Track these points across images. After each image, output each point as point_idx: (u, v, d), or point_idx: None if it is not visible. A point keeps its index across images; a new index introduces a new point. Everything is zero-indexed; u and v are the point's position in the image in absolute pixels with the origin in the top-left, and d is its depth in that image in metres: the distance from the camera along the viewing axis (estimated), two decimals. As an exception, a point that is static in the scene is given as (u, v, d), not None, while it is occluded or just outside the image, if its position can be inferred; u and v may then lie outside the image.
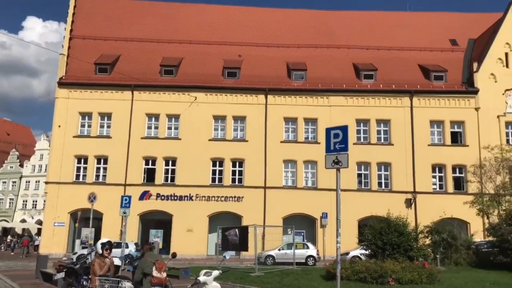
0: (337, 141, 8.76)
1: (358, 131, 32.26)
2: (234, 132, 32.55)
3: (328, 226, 30.33)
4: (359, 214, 30.00)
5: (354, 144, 30.62)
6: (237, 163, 31.87)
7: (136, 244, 26.34)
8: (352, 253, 24.93)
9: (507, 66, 32.59)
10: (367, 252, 20.48)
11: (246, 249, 20.76)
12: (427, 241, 23.10)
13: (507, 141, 31.14)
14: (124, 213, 19.03)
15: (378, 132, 32.42)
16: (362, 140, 32.07)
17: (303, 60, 35.03)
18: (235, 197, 30.99)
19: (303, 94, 32.59)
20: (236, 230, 21.33)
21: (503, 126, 31.62)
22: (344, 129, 8.79)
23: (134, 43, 35.85)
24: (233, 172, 31.81)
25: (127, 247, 22.99)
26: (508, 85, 32.10)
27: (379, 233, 19.82)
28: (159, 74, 33.50)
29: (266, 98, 32.42)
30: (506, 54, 32.79)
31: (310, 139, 32.25)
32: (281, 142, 31.95)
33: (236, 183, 31.59)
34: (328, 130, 9.03)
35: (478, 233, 26.93)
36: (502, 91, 32.07)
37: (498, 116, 31.67)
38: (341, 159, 8.63)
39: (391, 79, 33.20)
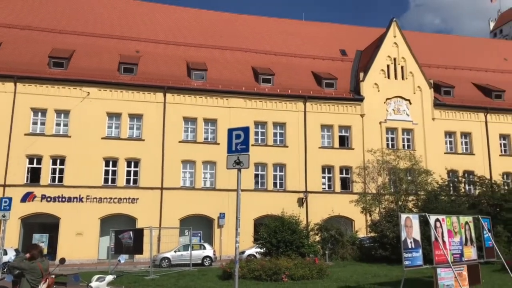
0: (238, 142, 8.86)
1: (256, 133, 33.08)
2: (130, 130, 31.26)
3: (225, 226, 30.59)
4: (256, 214, 30.75)
5: (252, 145, 31.18)
6: (132, 163, 30.65)
7: (16, 250, 23.98)
8: (247, 252, 25.44)
9: (388, 77, 35.89)
10: (262, 250, 21.08)
11: (140, 252, 20.08)
12: (317, 238, 24.54)
13: (387, 145, 34.25)
14: (4, 216, 17.24)
15: (275, 134, 33.57)
16: (259, 142, 32.94)
17: (203, 60, 34.97)
18: (129, 198, 29.76)
19: (203, 94, 32.50)
20: (130, 232, 20.55)
21: (384, 131, 34.75)
22: (246, 130, 8.92)
23: (18, 31, 32.67)
24: (128, 173, 30.54)
25: (5, 254, 20.82)
26: (388, 95, 35.38)
27: (273, 232, 20.57)
28: (47, 66, 30.90)
29: (164, 96, 31.69)
30: (388, 66, 36.13)
31: (209, 140, 32.27)
32: (180, 142, 31.48)
33: (131, 184, 30.39)
34: (230, 131, 9.09)
35: (361, 229, 29.28)
36: (384, 100, 35.24)
37: (380, 122, 34.71)
38: (243, 160, 8.75)
39: (287, 84, 34.63)
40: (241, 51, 37.11)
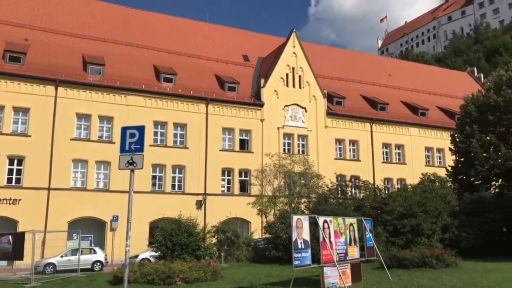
0: (133, 141, 8.51)
1: (156, 133, 32.22)
2: (13, 125, 28.45)
3: (118, 229, 29.23)
4: (152, 216, 29.87)
5: (150, 145, 30.47)
6: (16, 161, 27.93)
7: None
8: (141, 256, 24.61)
9: (287, 85, 37.34)
10: (157, 253, 20.55)
11: (21, 258, 18.32)
12: (214, 240, 24.56)
13: (284, 150, 35.57)
14: None
15: (175, 135, 33.00)
16: (158, 142, 32.12)
17: (101, 54, 33.18)
18: (10, 199, 27.02)
19: (100, 90, 30.79)
20: (10, 237, 18.65)
21: (281, 136, 36.05)
22: (141, 129, 8.61)
23: None
24: (10, 171, 27.74)
25: None
26: (287, 102, 36.82)
27: (169, 235, 20.19)
28: None
29: (56, 90, 29.40)
30: (287, 75, 37.59)
31: (104, 138, 30.65)
32: (71, 139, 29.40)
33: (13, 183, 27.65)
34: (124, 130, 8.69)
35: (257, 231, 29.97)
36: (282, 106, 36.59)
37: (278, 128, 35.95)
38: (136, 160, 8.41)
39: (189, 85, 34.28)
40: (143, 48, 35.96)
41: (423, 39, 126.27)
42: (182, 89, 33.68)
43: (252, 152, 34.58)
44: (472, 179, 28.42)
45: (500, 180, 28.23)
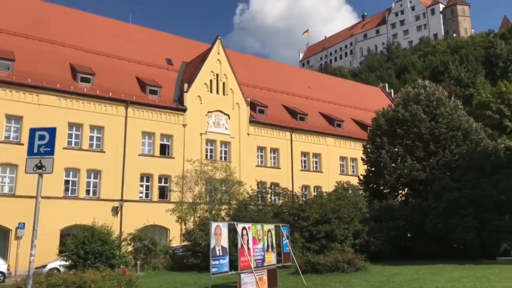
0: (42, 144, 7.96)
1: (70, 135, 30.44)
2: None
3: (24, 237, 27.05)
4: (63, 223, 28.09)
5: (64, 148, 28.76)
6: None
7: None
8: (50, 265, 23.02)
9: (211, 91, 37.31)
10: (67, 263, 19.38)
11: None
12: (130, 248, 23.69)
13: (206, 156, 35.41)
14: None
15: (91, 138, 31.43)
16: (73, 145, 30.38)
17: (10, 49, 30.75)
18: None
19: (8, 87, 28.48)
20: None
21: (204, 142, 35.86)
22: (52, 131, 8.08)
23: None
24: None
25: None
26: (210, 108, 36.75)
27: (82, 243, 19.14)
28: None
29: (-45, 85, 26.71)
30: (211, 81, 37.57)
31: (12, 139, 28.34)
32: (-28, 139, 26.87)
33: None
34: (32, 131, 8.10)
35: (176, 238, 29.44)
36: (205, 112, 36.44)
37: (201, 134, 35.73)
38: (45, 164, 7.88)
39: (108, 86, 32.92)
40: (59, 44, 33.92)
41: (341, 54, 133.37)
42: (100, 90, 32.24)
43: (173, 158, 33.99)
44: (381, 187, 30.35)
45: (406, 189, 30.45)
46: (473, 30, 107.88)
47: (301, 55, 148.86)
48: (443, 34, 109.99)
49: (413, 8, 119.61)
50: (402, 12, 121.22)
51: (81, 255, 18.77)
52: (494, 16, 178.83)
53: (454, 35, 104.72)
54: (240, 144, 37.51)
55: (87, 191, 30.55)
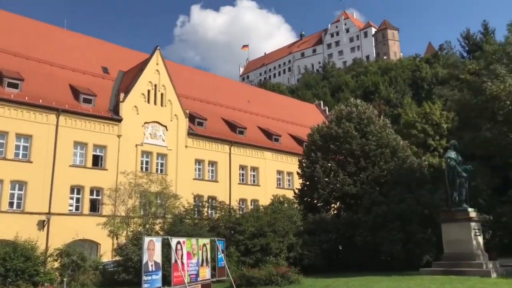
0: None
1: (-7, 144, 28.42)
2: None
3: None
4: (-19, 239, 25.95)
5: (-16, 157, 26.74)
6: None
7: None
8: (-36, 285, 21.09)
9: (148, 102, 36.52)
10: (-18, 282, 17.92)
11: None
12: (56, 264, 22.37)
13: (142, 168, 34.44)
14: None
15: (17, 147, 29.52)
16: (-5, 154, 28.35)
17: None
18: None
19: None
20: None
21: (139, 154, 34.89)
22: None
23: None
24: None
25: None
26: (147, 119, 35.93)
27: (2, 259, 17.86)
28: None
29: None
30: (149, 91, 36.79)
31: None
32: None
33: None
34: None
35: (107, 253, 28.18)
36: (142, 123, 35.56)
37: (136, 145, 34.75)
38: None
39: (39, 93, 31.21)
40: (-17, 47, 31.73)
41: (280, 71, 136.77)
42: (29, 96, 30.47)
43: (106, 170, 32.73)
44: (315, 201, 31.10)
45: (338, 203, 31.45)
46: (401, 54, 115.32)
47: (241, 70, 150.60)
48: (374, 56, 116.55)
49: (347, 30, 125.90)
50: (338, 34, 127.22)
51: (1, 273, 17.48)
52: (420, 42, 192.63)
53: (385, 57, 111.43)
54: (177, 156, 36.93)
55: (11, 204, 28.54)
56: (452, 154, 20.73)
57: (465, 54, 69.73)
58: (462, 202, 20.48)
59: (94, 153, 32.91)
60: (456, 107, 34.47)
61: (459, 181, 20.41)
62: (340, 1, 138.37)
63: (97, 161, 33.03)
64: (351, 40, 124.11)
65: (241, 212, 32.36)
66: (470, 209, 20.20)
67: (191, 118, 39.62)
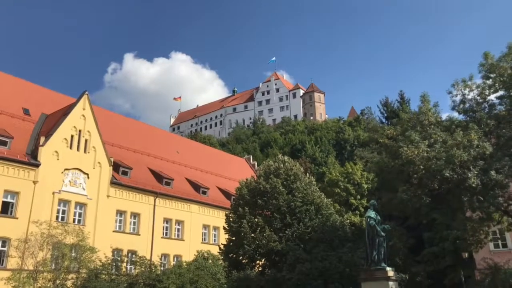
0: None
1: None
2: None
3: None
4: None
5: None
6: None
7: None
8: None
9: (70, 147, 34.70)
10: None
11: None
12: None
13: (57, 217, 32.03)
14: None
15: None
16: None
17: None
18: None
19: None
20: None
21: (56, 202, 32.50)
22: None
23: None
24: None
25: None
26: (68, 165, 33.94)
27: None
28: None
29: None
30: (72, 137, 35.05)
31: None
32: None
33: None
34: None
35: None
36: (62, 170, 33.49)
37: (53, 193, 32.45)
38: None
39: None
40: None
41: (211, 124, 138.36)
42: None
43: (16, 218, 30.00)
44: (240, 257, 30.56)
45: (263, 260, 31.14)
46: (327, 116, 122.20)
47: (172, 120, 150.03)
48: (302, 115, 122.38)
49: (277, 90, 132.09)
50: (268, 93, 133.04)
51: None
52: (344, 106, 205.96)
53: (311, 117, 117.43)
54: (97, 206, 34.93)
55: None
56: (372, 213, 21.56)
57: (383, 120, 74.96)
58: (380, 261, 21.09)
59: (5, 199, 30.16)
60: (375, 168, 36.34)
61: (378, 240, 21.11)
62: (271, 62, 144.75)
63: (6, 209, 30.23)
64: (281, 99, 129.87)
65: (162, 268, 30.92)
66: (388, 268, 20.84)
67: (116, 166, 38.09)
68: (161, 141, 50.27)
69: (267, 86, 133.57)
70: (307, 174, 34.85)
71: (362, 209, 39.89)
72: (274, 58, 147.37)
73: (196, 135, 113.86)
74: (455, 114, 24.29)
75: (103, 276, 24.72)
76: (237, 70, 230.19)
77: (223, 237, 35.61)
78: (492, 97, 22.69)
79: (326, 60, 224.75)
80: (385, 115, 74.18)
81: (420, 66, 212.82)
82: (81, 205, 34.25)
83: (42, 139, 33.10)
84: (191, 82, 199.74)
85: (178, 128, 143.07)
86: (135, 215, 38.18)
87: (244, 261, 30.44)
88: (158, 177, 42.29)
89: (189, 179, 46.35)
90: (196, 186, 45.62)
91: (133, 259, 30.51)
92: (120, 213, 37.12)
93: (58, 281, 24.12)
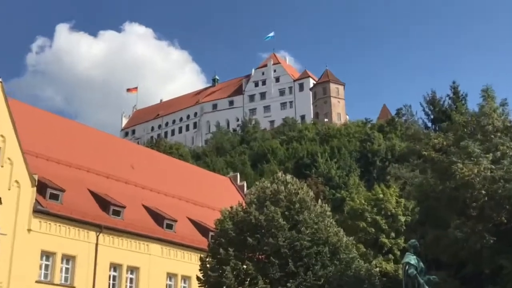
0: None
1: None
2: None
3: None
4: None
5: None
6: None
7: None
8: None
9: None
10: None
11: None
12: None
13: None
14: None
15: None
16: None
17: None
18: None
19: None
20: None
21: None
22: None
23: None
24: None
25: None
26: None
27: None
28: None
29: None
30: (-21, 144, 34.90)
31: None
32: None
33: None
34: None
35: None
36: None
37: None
38: None
39: None
40: None
41: (181, 127, 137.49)
42: None
43: None
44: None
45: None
46: (347, 117, 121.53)
47: (125, 121, 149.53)
48: (312, 117, 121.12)
49: (277, 79, 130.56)
50: (264, 83, 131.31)
51: None
52: (372, 103, 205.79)
53: (326, 119, 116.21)
54: (14, 244, 34.53)
55: None
56: (411, 259, 21.49)
57: (429, 124, 75.13)
58: (424, 327, 21.03)
59: None
60: (417, 193, 36.46)
61: (420, 297, 21.06)
62: (268, 39, 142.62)
63: None
64: (282, 93, 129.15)
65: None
66: (435, 338, 20.78)
67: (42, 187, 37.77)
68: (108, 150, 50.04)
69: (263, 74, 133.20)
70: (319, 201, 34.82)
71: (398, 253, 39.83)
72: (272, 34, 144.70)
73: (159, 142, 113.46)
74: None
75: None
76: (218, 49, 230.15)
77: (197, 291, 35.36)
78: None
79: (348, 36, 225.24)
80: (432, 117, 74.48)
81: (484, 48, 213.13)
82: (-11, 243, 33.97)
83: None
84: (152, 66, 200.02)
85: (133, 132, 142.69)
86: (69, 259, 37.84)
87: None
88: (103, 203, 41.99)
89: (148, 206, 46.08)
90: (157, 217, 45.33)
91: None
92: (47, 255, 36.78)
93: None
